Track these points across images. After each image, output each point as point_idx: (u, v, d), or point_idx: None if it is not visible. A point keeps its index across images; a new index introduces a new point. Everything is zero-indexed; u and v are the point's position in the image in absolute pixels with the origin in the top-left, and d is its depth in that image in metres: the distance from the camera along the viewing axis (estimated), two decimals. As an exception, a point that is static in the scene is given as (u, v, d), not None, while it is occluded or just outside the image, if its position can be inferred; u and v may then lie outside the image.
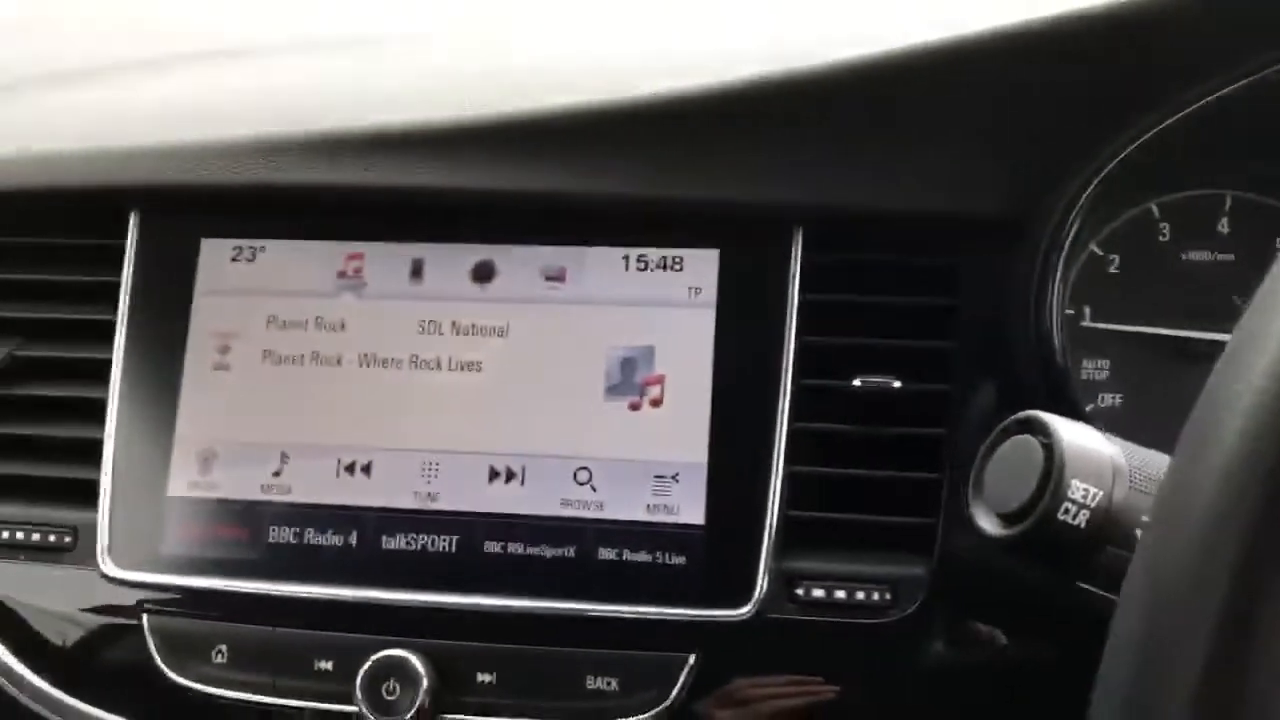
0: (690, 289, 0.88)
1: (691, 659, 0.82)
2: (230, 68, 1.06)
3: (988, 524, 0.67)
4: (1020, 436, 0.66)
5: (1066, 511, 0.62)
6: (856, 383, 0.85)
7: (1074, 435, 0.64)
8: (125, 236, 0.95)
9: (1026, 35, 0.83)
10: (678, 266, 0.89)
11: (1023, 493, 0.64)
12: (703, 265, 0.88)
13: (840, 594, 0.82)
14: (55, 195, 0.96)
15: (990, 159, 0.84)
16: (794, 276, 0.86)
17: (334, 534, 0.88)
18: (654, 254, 0.89)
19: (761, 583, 0.82)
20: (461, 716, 0.84)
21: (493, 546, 0.86)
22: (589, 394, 0.88)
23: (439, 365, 0.90)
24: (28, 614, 0.93)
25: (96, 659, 0.91)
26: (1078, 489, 0.62)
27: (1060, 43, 0.83)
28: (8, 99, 1.06)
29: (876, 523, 0.84)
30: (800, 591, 0.82)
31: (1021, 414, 0.67)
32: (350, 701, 0.84)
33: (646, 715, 0.82)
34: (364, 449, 0.90)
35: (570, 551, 0.85)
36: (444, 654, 0.84)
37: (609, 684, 0.82)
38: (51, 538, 0.93)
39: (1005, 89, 0.83)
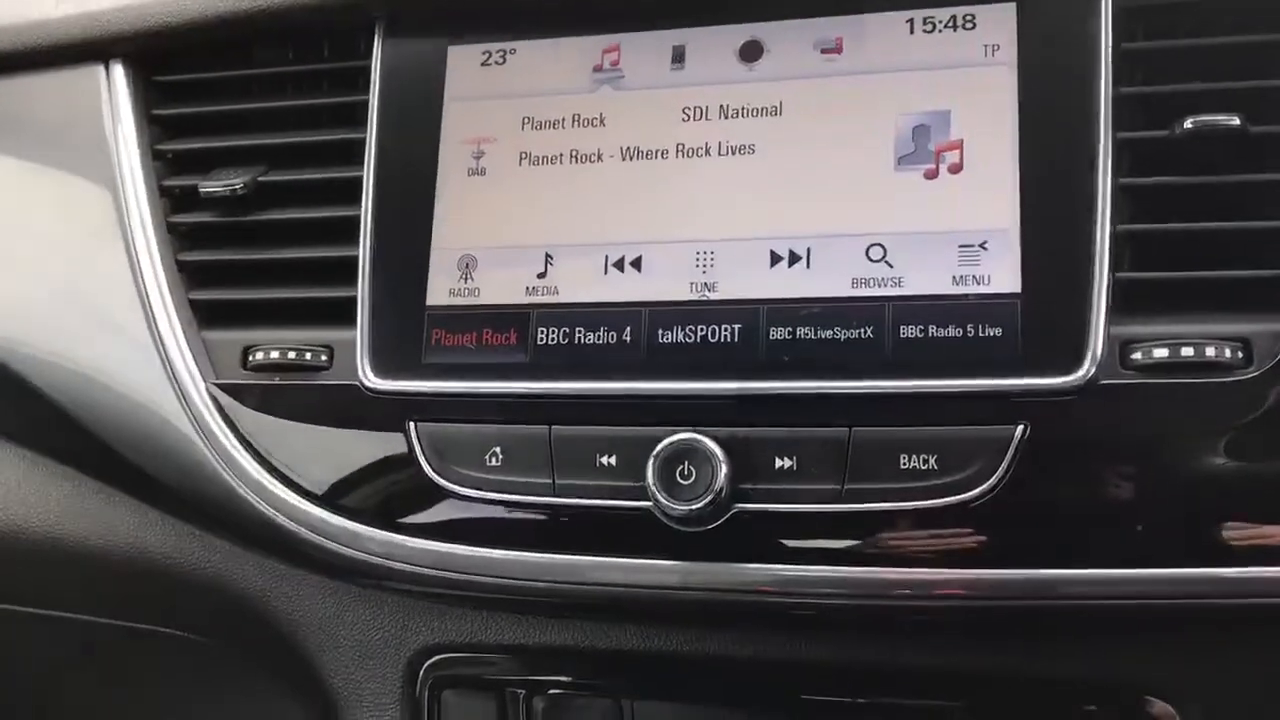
0: (986, 47, 0.80)
1: (1019, 430, 0.74)
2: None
3: None
4: None
5: None
6: (1188, 124, 0.75)
7: None
8: (370, 56, 0.92)
9: None
10: (969, 24, 0.81)
11: None
12: (998, 20, 0.80)
13: (1187, 351, 0.73)
14: (298, 9, 0.93)
15: None
16: (1105, 22, 0.78)
17: (606, 331, 0.83)
18: (942, 14, 0.82)
19: (1094, 347, 0.74)
20: (759, 506, 0.77)
21: (779, 333, 0.80)
22: (878, 166, 0.81)
23: (707, 152, 0.84)
24: (286, 435, 0.89)
25: (361, 474, 0.87)
26: None
27: None
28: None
29: (1219, 279, 0.75)
30: (1138, 355, 0.74)
31: None
32: (638, 496, 0.78)
33: (973, 493, 0.74)
34: (632, 243, 0.84)
35: (867, 332, 0.78)
36: (739, 440, 0.77)
37: (925, 462, 0.75)
38: (308, 355, 0.89)
39: None
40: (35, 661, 1.10)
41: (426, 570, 0.84)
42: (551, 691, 0.90)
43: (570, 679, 0.90)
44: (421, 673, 0.92)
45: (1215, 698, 0.79)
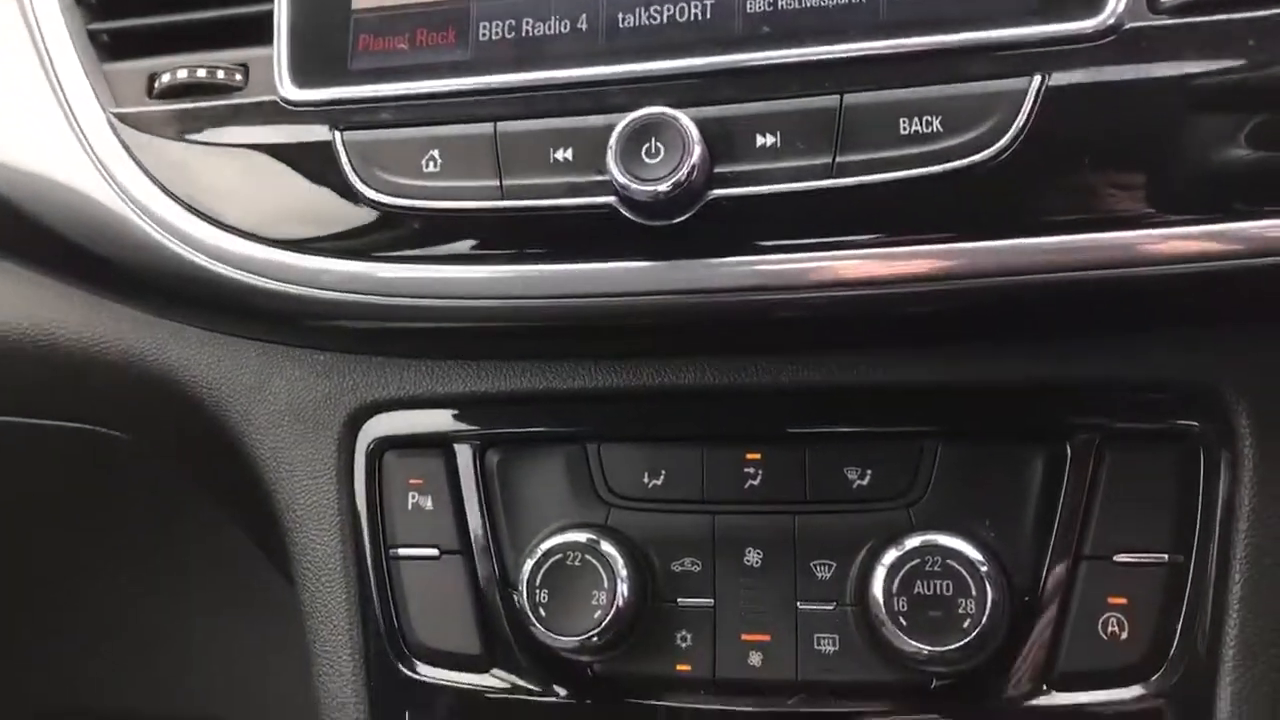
0: None
1: (1035, 82, 0.64)
2: None
3: None
4: None
5: None
6: None
7: None
8: None
9: None
10: None
11: None
12: None
13: None
14: None
15: None
16: None
17: (558, 19, 0.72)
18: None
19: None
20: (739, 190, 0.67)
21: (757, 3, 0.69)
22: None
23: None
24: (197, 164, 0.78)
25: (282, 197, 0.77)
26: None
27: None
28: None
29: None
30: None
31: None
32: (599, 192, 0.68)
33: (985, 154, 0.64)
34: (584, -79, 0.73)
35: None
36: (713, 119, 0.67)
37: (929, 125, 0.65)
38: (220, 74, 0.79)
39: None
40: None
41: (362, 298, 0.73)
42: (507, 442, 0.80)
43: (527, 428, 0.80)
44: (360, 433, 0.82)
45: (1264, 396, 0.70)
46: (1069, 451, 0.72)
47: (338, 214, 0.74)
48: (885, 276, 0.66)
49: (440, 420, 0.81)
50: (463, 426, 0.81)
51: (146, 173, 0.79)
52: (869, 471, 0.75)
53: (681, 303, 0.69)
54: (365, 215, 0.73)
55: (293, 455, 0.83)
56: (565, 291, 0.71)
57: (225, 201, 0.78)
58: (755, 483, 0.76)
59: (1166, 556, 0.71)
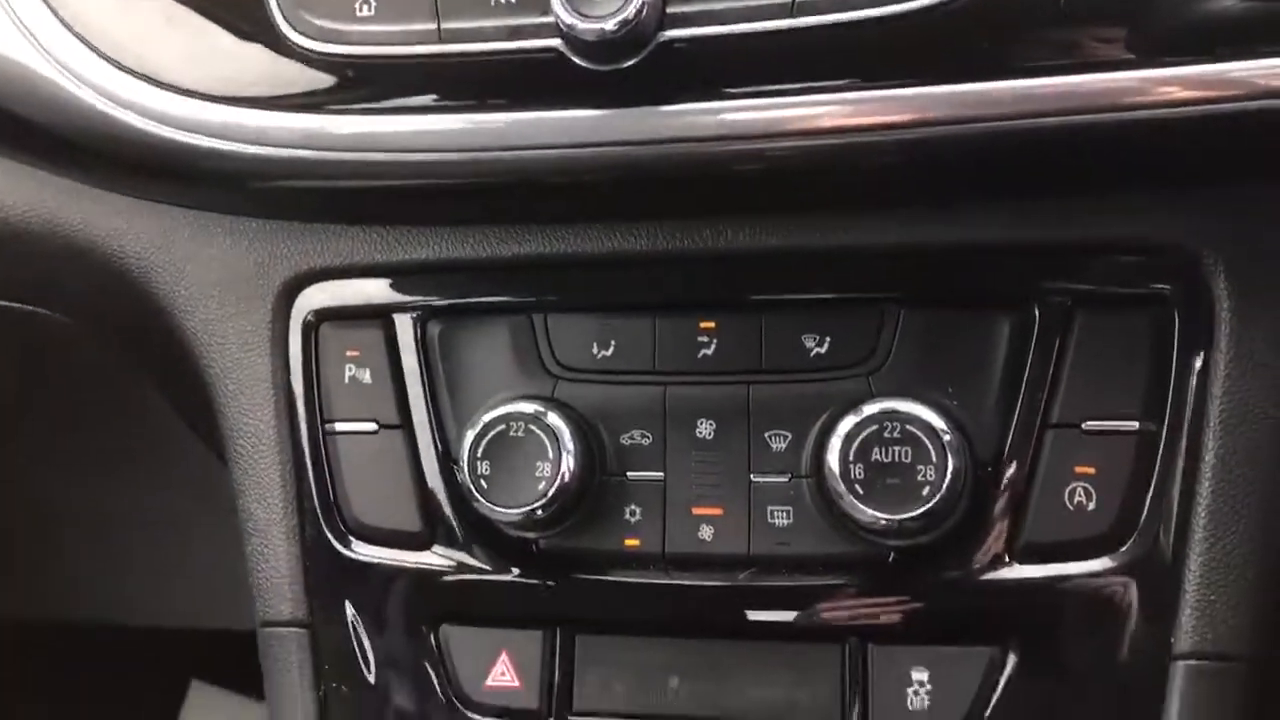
0: None
1: None
2: None
3: None
4: None
5: None
6: None
7: None
8: None
9: None
10: None
11: None
12: None
13: None
14: None
15: None
16: None
17: None
18: None
19: None
20: (692, 31, 0.63)
21: None
22: None
23: None
24: (115, 17, 0.73)
25: (204, 46, 0.72)
26: None
27: None
28: None
29: None
30: None
31: None
32: (544, 34, 0.64)
33: None
34: None
35: None
36: None
37: None
38: None
39: None
40: None
41: (290, 152, 0.69)
42: (449, 313, 0.76)
43: (470, 298, 0.76)
44: (295, 304, 0.78)
45: (1242, 258, 0.66)
46: (1037, 315, 0.69)
47: (266, 64, 0.70)
48: (849, 125, 0.62)
49: (379, 290, 0.77)
50: (403, 296, 0.77)
51: (66, 26, 0.74)
52: (828, 339, 0.71)
53: (631, 154, 0.65)
54: (296, 64, 0.69)
55: (224, 328, 0.78)
56: (511, 143, 0.66)
57: (148, 53, 0.72)
58: (708, 352, 0.73)
59: (1137, 424, 0.68)
